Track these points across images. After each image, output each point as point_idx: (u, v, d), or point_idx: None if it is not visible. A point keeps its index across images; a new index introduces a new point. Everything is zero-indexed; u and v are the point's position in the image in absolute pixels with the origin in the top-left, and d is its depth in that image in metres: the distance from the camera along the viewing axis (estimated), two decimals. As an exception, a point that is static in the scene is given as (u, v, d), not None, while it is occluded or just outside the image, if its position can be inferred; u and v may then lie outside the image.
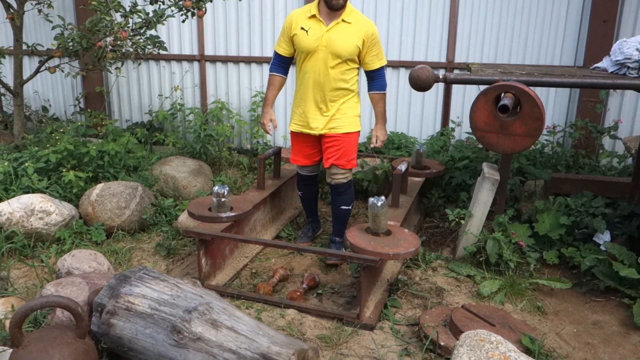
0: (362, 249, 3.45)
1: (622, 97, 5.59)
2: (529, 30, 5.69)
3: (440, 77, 3.90)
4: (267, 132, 4.32)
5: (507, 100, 3.56)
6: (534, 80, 3.82)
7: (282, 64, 4.20)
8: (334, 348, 3.26)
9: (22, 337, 2.34)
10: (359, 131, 4.20)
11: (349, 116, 4.09)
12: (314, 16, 3.91)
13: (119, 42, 4.52)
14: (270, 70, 4.22)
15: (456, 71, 5.82)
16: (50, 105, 7.12)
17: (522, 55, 5.76)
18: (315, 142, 4.21)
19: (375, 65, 4.05)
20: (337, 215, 4.32)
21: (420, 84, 3.88)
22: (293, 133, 4.28)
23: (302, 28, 3.93)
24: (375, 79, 4.12)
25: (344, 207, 4.27)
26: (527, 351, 3.15)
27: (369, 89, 4.16)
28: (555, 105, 5.81)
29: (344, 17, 3.89)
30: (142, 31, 4.98)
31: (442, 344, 3.21)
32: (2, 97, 6.46)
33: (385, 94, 4.16)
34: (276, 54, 4.16)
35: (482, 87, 4.81)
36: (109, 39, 4.44)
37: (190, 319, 2.58)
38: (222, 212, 3.84)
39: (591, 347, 3.39)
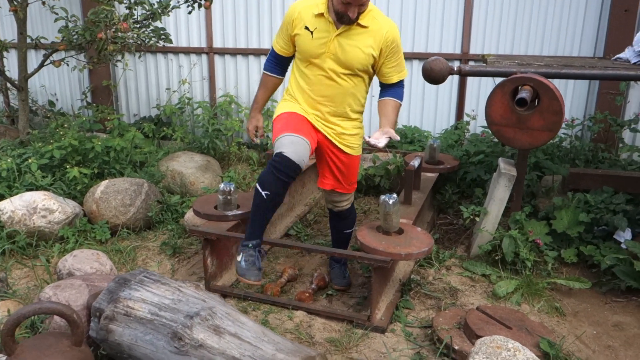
0: (373, 248, 3.32)
1: (643, 89, 5.40)
2: (547, 20, 5.50)
3: (455, 69, 3.75)
4: (252, 140, 3.55)
5: (525, 93, 3.41)
6: (553, 72, 3.66)
7: (279, 63, 3.40)
8: (343, 352, 3.14)
9: (14, 345, 2.24)
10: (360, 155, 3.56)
11: (357, 138, 3.42)
12: (322, 14, 3.08)
13: (119, 34, 4.38)
14: (265, 69, 3.40)
15: (471, 63, 5.65)
16: (57, 100, 7.04)
17: (540, 46, 5.57)
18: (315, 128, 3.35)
19: (393, 78, 3.27)
20: (340, 240, 3.79)
21: (434, 77, 3.73)
22: (287, 112, 3.30)
23: (306, 28, 3.10)
24: (392, 89, 3.33)
25: (347, 231, 3.76)
26: (546, 356, 3.01)
27: (382, 95, 3.35)
28: (574, 98, 5.62)
29: (360, 20, 3.06)
30: (146, 23, 4.85)
31: (456, 348, 3.08)
32: (9, 92, 6.38)
33: (400, 104, 3.35)
34: (273, 51, 3.34)
35: (498, 80, 4.66)
36: (109, 31, 4.31)
37: (192, 325, 2.46)
38: (228, 210, 3.72)
39: (612, 350, 3.25)
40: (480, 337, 3.07)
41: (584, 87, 5.57)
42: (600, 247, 3.98)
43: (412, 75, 5.87)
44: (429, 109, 5.92)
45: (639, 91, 5.39)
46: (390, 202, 3.42)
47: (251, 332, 2.52)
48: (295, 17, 3.13)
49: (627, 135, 5.44)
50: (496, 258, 3.98)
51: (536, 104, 3.59)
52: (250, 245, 3.18)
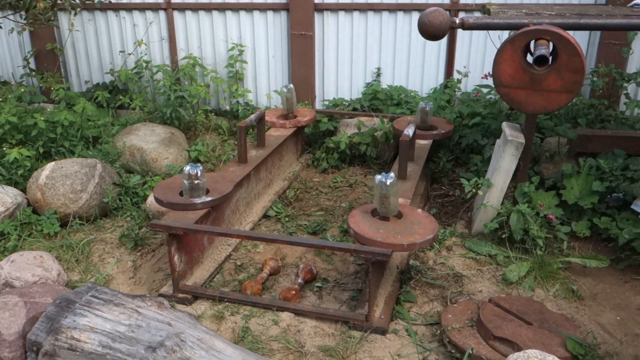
0: (370, 239, 2.83)
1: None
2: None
3: (457, 22, 3.21)
4: None
5: (543, 49, 2.89)
6: (570, 22, 3.13)
7: None
8: (340, 363, 2.68)
9: None
10: None
11: None
12: None
13: (50, -11, 3.69)
14: None
15: (462, 14, 5.07)
16: (-4, 67, 6.28)
17: (540, -9, 5.01)
18: None
19: None
20: None
21: (432, 32, 3.19)
22: None
23: None
24: None
25: None
26: (573, 358, 2.59)
27: None
28: (573, 49, 5.11)
29: None
30: (90, -24, 4.16)
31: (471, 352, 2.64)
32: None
33: None
34: None
35: (494, 33, 4.13)
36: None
37: (156, 360, 1.94)
38: (196, 196, 3.17)
39: None
40: (498, 337, 2.68)
41: (584, 37, 5.06)
42: (616, 218, 3.56)
43: (396, 28, 5.28)
44: (416, 66, 5.36)
45: (643, 40, 4.91)
46: (388, 182, 2.91)
47: (231, 363, 2.01)
48: None
49: (631, 90, 4.98)
50: (503, 236, 3.54)
51: (550, 61, 3.08)
52: None
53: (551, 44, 3.00)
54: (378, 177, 2.93)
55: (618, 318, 3.05)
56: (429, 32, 3.16)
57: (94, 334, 2.04)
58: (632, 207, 3.60)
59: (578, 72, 2.98)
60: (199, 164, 3.18)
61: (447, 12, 5.04)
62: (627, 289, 3.29)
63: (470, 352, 2.56)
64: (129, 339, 2.02)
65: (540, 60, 2.85)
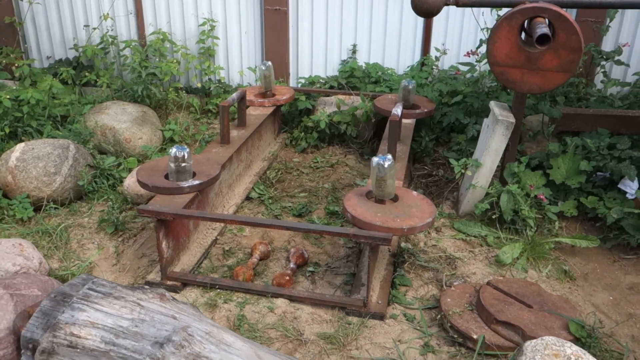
0: (369, 223, 2.74)
1: (622, 18, 4.93)
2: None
3: (452, -1, 3.11)
4: None
5: (544, 27, 2.82)
6: (566, 0, 3.08)
7: None
8: (341, 349, 2.62)
9: None
10: None
11: None
12: None
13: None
14: None
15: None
16: (-51, 42, 5.87)
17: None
18: None
19: None
20: None
21: (426, 8, 3.10)
22: None
23: None
24: None
25: None
26: (576, 340, 2.58)
27: None
28: (550, 28, 5.09)
29: None
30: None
31: (474, 337, 2.60)
32: None
33: None
34: None
35: (476, 10, 4.05)
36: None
37: (164, 357, 1.82)
38: (182, 179, 3.01)
39: (636, 319, 2.96)
40: (501, 321, 2.62)
41: (561, 16, 5.04)
42: (603, 198, 3.58)
43: (372, 3, 5.15)
44: (392, 43, 5.25)
45: (617, 20, 4.92)
46: (386, 165, 2.82)
47: (242, 358, 1.91)
48: None
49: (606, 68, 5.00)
50: (492, 217, 3.51)
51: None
52: None
53: (547, 22, 2.94)
54: (375, 159, 2.83)
55: (611, 298, 3.07)
56: (423, 8, 3.07)
57: (94, 329, 1.90)
58: (619, 186, 3.62)
59: (575, 51, 2.94)
60: (185, 147, 3.02)
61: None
62: (616, 269, 3.31)
63: (482, 339, 2.52)
64: (133, 334, 1.89)
65: (542, 39, 2.79)
